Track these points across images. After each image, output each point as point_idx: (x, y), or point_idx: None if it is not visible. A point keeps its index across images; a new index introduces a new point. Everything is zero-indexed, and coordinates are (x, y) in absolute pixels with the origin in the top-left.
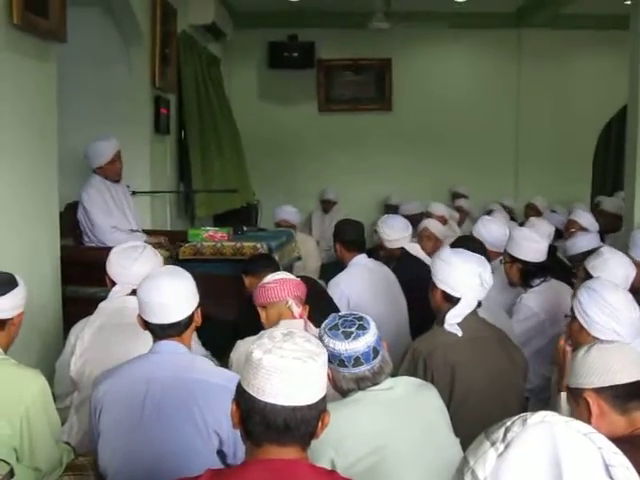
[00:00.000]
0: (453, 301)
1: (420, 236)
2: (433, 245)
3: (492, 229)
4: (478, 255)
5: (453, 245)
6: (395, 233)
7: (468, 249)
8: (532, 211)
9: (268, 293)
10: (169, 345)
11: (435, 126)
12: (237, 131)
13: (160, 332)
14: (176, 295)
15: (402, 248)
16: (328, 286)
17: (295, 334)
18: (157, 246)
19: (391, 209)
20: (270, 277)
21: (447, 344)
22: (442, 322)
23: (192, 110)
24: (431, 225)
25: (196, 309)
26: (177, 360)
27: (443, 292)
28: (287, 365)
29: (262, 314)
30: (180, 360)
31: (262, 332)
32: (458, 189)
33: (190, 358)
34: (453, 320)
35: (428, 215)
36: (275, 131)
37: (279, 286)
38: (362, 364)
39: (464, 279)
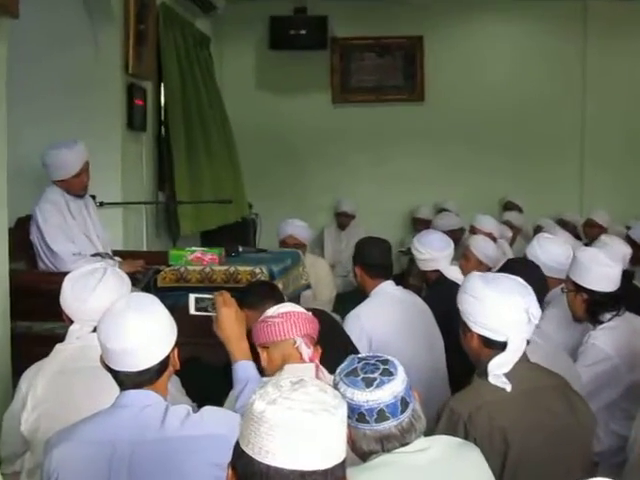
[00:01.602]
0: (495, 346)
1: (464, 257)
2: (476, 266)
3: (551, 250)
4: (516, 279)
5: (502, 270)
6: (429, 251)
7: (522, 276)
8: (592, 229)
9: (270, 330)
10: (139, 396)
11: (478, 121)
12: (230, 128)
13: (127, 381)
14: (144, 337)
15: (438, 271)
16: (345, 321)
17: (307, 382)
18: (133, 274)
19: (421, 224)
20: (273, 310)
21: (493, 403)
22: (484, 373)
23: (175, 101)
24: (476, 245)
25: (173, 350)
26: (149, 414)
27: (480, 337)
28: (296, 419)
29: (263, 356)
30: (153, 414)
31: (265, 379)
32: (512, 199)
33: (166, 410)
34: (498, 371)
35: (473, 231)
36: (278, 128)
37: (284, 321)
38: (388, 419)
39: (507, 318)
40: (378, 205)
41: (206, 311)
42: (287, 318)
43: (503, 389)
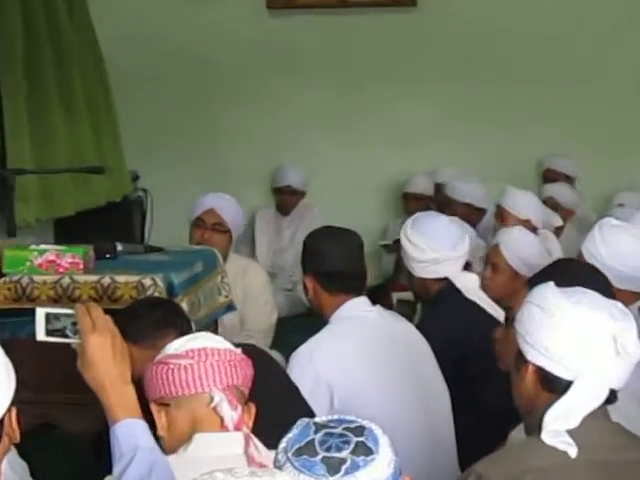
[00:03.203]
0: (559, 388)
1: (490, 264)
2: (508, 279)
3: (623, 247)
4: (607, 299)
5: (540, 276)
6: (431, 246)
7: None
8: None
9: (173, 378)
10: None
11: (502, 41)
12: (101, 55)
13: None
14: None
15: (444, 280)
16: (290, 362)
17: (237, 472)
18: None
19: (416, 203)
20: (177, 346)
21: (545, 471)
22: (537, 428)
23: (7, 18)
24: (510, 245)
25: (8, 412)
26: None
27: (539, 371)
28: None
29: (159, 418)
30: None
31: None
32: (557, 164)
33: None
34: (558, 425)
35: (500, 216)
36: (179, 54)
37: (196, 364)
38: None
39: (585, 345)
40: (344, 175)
41: (64, 336)
42: (200, 359)
43: (563, 453)
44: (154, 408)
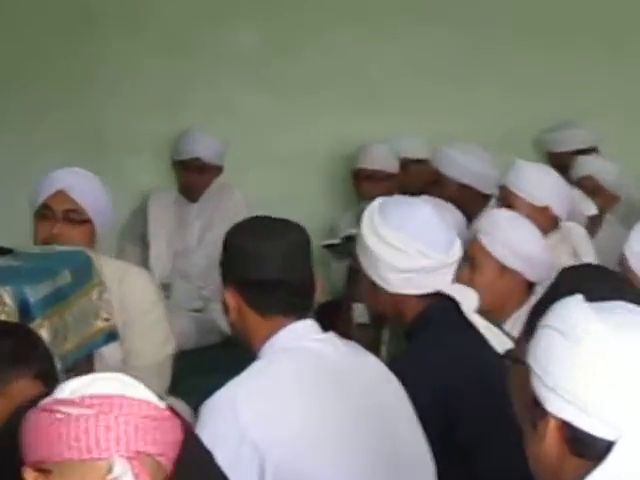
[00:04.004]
0: (594, 452)
1: (465, 256)
2: (492, 278)
3: None
4: None
5: (552, 294)
6: (422, 251)
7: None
8: None
9: (60, 434)
10: None
11: None
12: None
13: None
14: None
15: (435, 297)
16: (200, 417)
17: None
18: None
19: (373, 185)
20: (71, 389)
21: None
22: None
23: None
24: (486, 226)
25: None
26: None
27: (565, 427)
28: None
29: None
30: None
31: None
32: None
33: None
34: None
35: (506, 202)
36: None
37: (94, 418)
38: None
39: (633, 389)
40: (275, 145)
41: None
42: (102, 410)
43: None
44: (28, 475)
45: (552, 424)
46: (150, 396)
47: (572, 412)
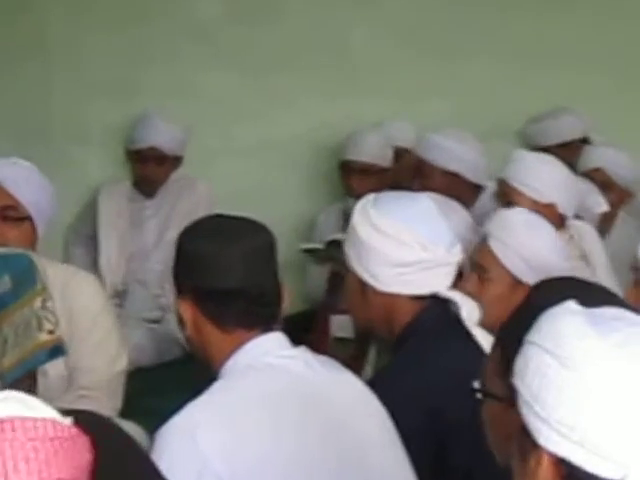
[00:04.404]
0: None
1: (470, 262)
2: (504, 292)
3: None
4: None
5: (533, 306)
6: (422, 243)
7: None
8: None
9: None
10: None
11: None
12: None
13: None
14: None
15: (431, 300)
16: (157, 443)
17: None
18: None
19: (364, 180)
20: None
21: None
22: None
23: None
24: (500, 231)
25: None
26: None
27: (561, 463)
28: None
29: None
30: None
31: None
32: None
33: None
34: None
35: (505, 198)
36: None
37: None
38: None
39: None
40: (244, 131)
41: None
42: (3, 438)
43: None
44: None
45: (546, 460)
46: (54, 414)
47: (569, 447)
